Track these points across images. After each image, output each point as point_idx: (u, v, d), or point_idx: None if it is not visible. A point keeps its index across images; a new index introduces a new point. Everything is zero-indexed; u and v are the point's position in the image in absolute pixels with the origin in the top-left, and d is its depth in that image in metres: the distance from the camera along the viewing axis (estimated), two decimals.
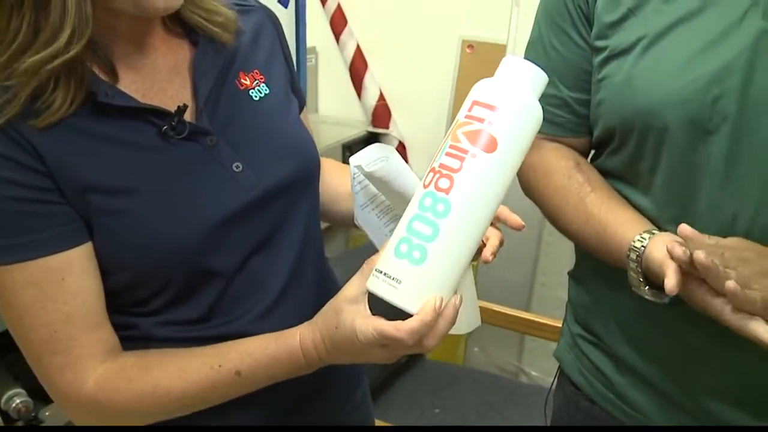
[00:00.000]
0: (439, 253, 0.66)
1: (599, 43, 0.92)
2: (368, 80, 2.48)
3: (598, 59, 0.92)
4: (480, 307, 1.94)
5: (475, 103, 0.68)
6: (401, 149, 2.50)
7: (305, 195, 0.90)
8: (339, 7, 2.44)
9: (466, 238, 0.67)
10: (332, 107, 2.58)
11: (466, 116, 0.67)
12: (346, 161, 2.50)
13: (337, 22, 2.45)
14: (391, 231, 0.86)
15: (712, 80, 0.82)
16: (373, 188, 0.79)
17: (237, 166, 0.81)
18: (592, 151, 1.04)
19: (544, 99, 0.98)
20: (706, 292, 0.77)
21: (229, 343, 0.80)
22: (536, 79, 0.70)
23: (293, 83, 0.97)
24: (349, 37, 2.46)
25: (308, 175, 0.90)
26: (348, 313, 0.71)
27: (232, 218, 0.80)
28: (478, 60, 2.27)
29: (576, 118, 0.99)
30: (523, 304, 2.29)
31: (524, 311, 2.24)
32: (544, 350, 2.32)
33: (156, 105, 0.78)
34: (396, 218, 0.85)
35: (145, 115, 0.77)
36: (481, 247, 0.80)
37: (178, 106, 0.78)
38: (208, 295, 0.82)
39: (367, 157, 0.77)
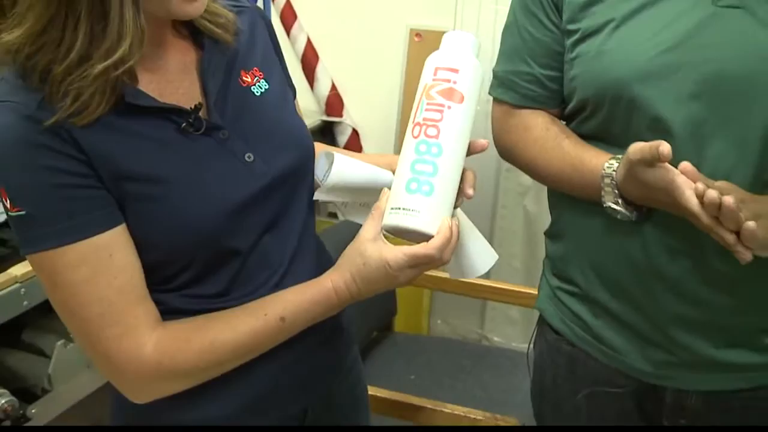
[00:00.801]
0: (441, 183, 0.84)
1: (571, 26, 1.04)
2: (320, 71, 2.56)
3: (571, 40, 1.05)
4: (440, 278, 2.11)
5: (437, 68, 0.87)
6: (355, 136, 2.59)
7: (304, 180, 1.00)
8: (288, 1, 2.52)
9: (455, 168, 0.86)
10: None
11: (434, 79, 0.86)
12: None
13: (287, 16, 2.53)
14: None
15: (670, 54, 0.95)
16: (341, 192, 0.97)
17: (249, 157, 0.91)
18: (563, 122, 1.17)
19: (518, 75, 1.13)
20: (716, 224, 0.88)
21: (269, 296, 0.91)
22: (474, 44, 0.89)
23: (286, 76, 1.06)
24: (299, 31, 2.54)
25: (307, 162, 1.00)
26: (372, 250, 0.86)
27: (247, 203, 0.90)
28: (426, 47, 2.35)
29: (547, 92, 1.12)
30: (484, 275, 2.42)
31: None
32: (504, 317, 2.45)
33: (174, 104, 0.86)
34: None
35: (165, 113, 0.85)
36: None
37: (195, 105, 0.87)
38: (226, 272, 0.91)
39: (320, 170, 0.96)
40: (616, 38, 0.99)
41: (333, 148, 1.07)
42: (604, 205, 1.01)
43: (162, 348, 0.85)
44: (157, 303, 0.89)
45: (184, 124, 0.86)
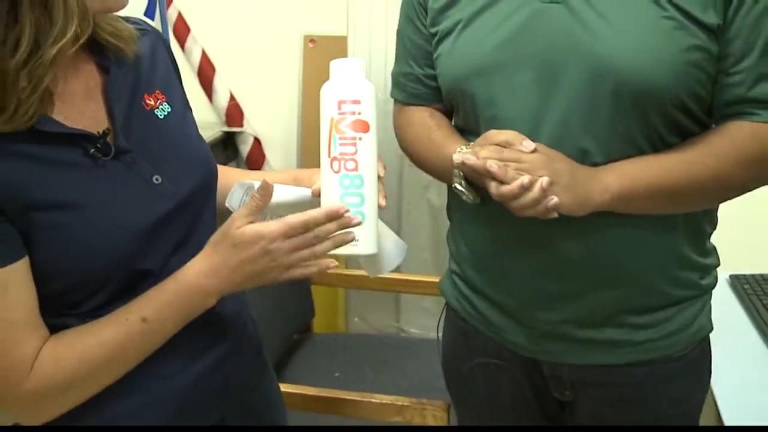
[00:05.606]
0: (369, 209, 0.94)
1: (433, 30, 1.16)
2: (217, 83, 2.56)
3: (433, 42, 1.16)
4: (354, 276, 2.18)
5: (341, 102, 0.92)
6: (257, 145, 2.60)
7: (209, 199, 1.04)
8: (180, 15, 2.51)
9: (375, 190, 0.95)
10: None
11: (340, 113, 0.92)
12: None
13: (180, 30, 2.52)
14: None
15: (501, 50, 1.06)
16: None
17: (156, 179, 0.93)
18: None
19: (404, 76, 1.26)
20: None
21: (134, 299, 0.91)
22: (362, 66, 0.95)
23: (184, 97, 1.09)
24: (193, 44, 2.53)
25: (211, 182, 1.04)
26: (244, 228, 0.88)
27: (157, 224, 0.92)
28: (321, 53, 2.43)
29: (428, 90, 1.22)
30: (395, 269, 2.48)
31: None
32: (418, 309, 2.51)
33: (82, 129, 0.88)
34: None
35: (73, 139, 0.87)
36: None
37: (103, 131, 0.89)
38: (139, 293, 0.92)
39: (236, 200, 0.99)
40: (462, 38, 1.10)
41: (251, 172, 1.12)
42: (452, 186, 1.11)
43: (39, 374, 0.85)
44: (65, 327, 0.89)
45: (92, 150, 0.88)
